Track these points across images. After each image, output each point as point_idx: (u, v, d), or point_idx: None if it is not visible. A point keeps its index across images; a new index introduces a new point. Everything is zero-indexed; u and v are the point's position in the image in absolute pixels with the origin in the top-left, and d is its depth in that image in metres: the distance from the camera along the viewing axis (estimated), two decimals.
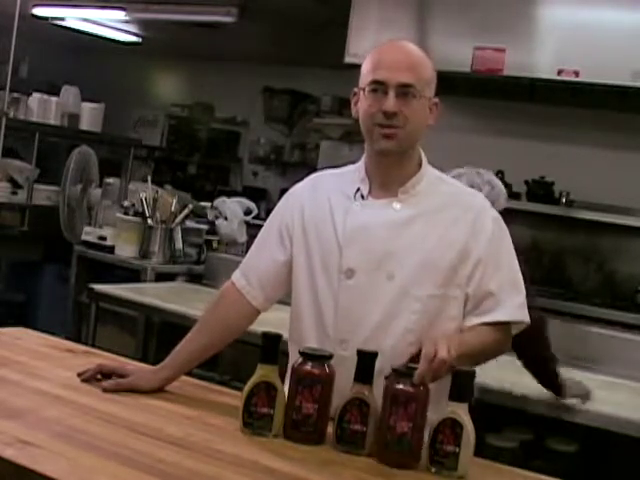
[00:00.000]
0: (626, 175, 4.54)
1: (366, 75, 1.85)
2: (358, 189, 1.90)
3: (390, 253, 1.83)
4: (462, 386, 1.61)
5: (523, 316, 1.89)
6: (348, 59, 4.35)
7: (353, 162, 2.01)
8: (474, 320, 1.86)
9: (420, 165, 1.91)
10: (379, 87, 1.81)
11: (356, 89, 1.88)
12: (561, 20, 4.08)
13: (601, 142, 4.61)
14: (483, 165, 4.43)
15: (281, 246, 1.96)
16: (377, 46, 1.91)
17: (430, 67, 1.88)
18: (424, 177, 1.91)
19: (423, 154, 1.93)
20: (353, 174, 1.94)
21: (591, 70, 3.92)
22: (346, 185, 1.93)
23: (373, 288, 1.84)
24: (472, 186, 2.56)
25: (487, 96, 4.63)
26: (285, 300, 2.01)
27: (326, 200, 1.93)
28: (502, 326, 1.86)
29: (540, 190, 4.68)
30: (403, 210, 1.86)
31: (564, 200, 4.62)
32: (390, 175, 1.89)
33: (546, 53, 4.08)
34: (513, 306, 1.87)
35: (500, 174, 4.74)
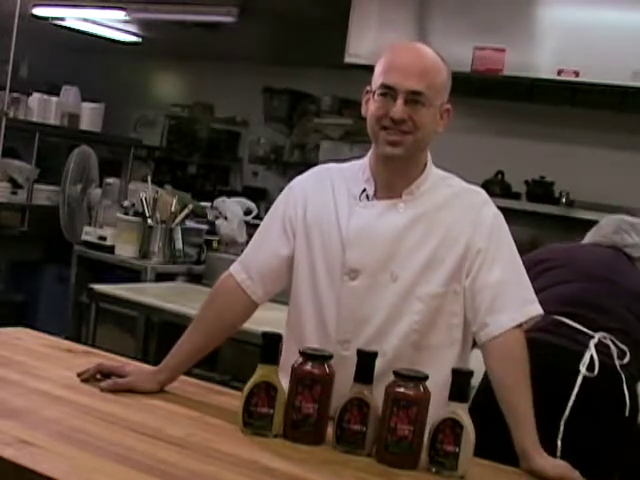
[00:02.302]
0: (626, 175, 4.53)
1: (377, 77, 1.83)
2: (364, 190, 1.89)
3: (394, 255, 1.83)
4: (462, 386, 1.61)
5: (533, 311, 1.84)
6: (348, 59, 4.34)
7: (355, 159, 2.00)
8: (489, 328, 1.80)
9: (425, 166, 1.90)
10: (388, 92, 1.79)
11: (368, 88, 1.86)
12: (561, 20, 4.08)
13: (601, 142, 4.61)
14: (483, 165, 4.44)
15: (284, 238, 1.94)
16: (392, 46, 1.87)
17: (444, 72, 1.84)
18: (428, 178, 1.90)
19: (429, 154, 1.92)
20: (358, 173, 1.92)
21: (591, 70, 3.92)
22: (352, 183, 1.91)
23: (377, 290, 1.83)
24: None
25: (487, 96, 4.63)
26: (284, 300, 2.01)
27: (330, 196, 1.91)
28: (517, 330, 1.81)
29: (540, 190, 4.67)
30: (407, 211, 1.85)
31: (564, 200, 4.62)
32: (395, 178, 1.88)
33: (546, 53, 4.08)
34: (518, 304, 1.82)
35: (500, 174, 4.76)
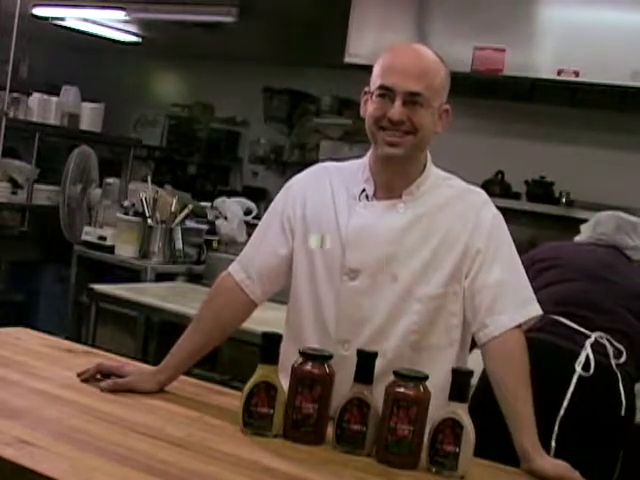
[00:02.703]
0: (626, 175, 4.53)
1: (376, 78, 1.82)
2: (363, 190, 1.89)
3: (394, 255, 1.83)
4: (462, 386, 1.61)
5: (533, 311, 1.84)
6: (348, 59, 4.35)
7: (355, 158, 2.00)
8: (489, 328, 1.80)
9: (425, 166, 1.90)
10: (387, 93, 1.79)
11: (367, 88, 1.85)
12: (561, 20, 4.08)
13: (601, 142, 4.61)
14: (483, 165, 4.44)
15: (283, 238, 1.94)
16: (390, 47, 1.87)
17: (442, 73, 1.84)
18: (428, 178, 1.90)
19: (429, 154, 1.92)
20: (357, 173, 1.92)
21: (591, 70, 3.92)
22: (351, 183, 1.91)
23: (376, 290, 1.83)
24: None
25: (487, 96, 4.63)
26: (283, 300, 2.01)
27: (329, 195, 1.91)
28: (517, 330, 1.81)
29: (540, 190, 4.67)
30: (407, 212, 1.85)
31: (564, 200, 4.62)
32: (394, 178, 1.88)
33: (546, 53, 4.08)
34: (518, 304, 1.82)
35: (500, 174, 4.76)
